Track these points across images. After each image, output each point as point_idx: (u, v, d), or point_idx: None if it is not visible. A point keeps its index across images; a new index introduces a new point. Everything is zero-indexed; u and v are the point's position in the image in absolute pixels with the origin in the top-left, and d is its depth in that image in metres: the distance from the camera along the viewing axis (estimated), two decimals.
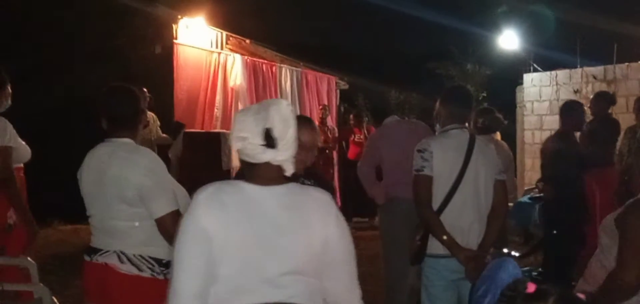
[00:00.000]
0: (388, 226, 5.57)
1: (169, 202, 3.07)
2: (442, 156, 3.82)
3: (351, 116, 11.93)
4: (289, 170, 2.19)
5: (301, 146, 2.51)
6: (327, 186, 3.04)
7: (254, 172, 2.19)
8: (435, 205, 3.82)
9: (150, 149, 3.42)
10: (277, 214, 2.15)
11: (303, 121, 3.10)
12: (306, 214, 2.18)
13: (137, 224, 3.11)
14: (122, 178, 3.08)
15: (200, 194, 2.15)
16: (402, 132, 5.57)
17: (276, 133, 2.13)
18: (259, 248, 2.11)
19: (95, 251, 3.19)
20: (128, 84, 3.39)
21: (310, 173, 3.22)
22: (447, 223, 3.78)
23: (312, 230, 2.17)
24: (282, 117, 2.15)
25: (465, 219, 3.81)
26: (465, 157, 3.83)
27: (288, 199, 2.18)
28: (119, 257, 3.11)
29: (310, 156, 3.20)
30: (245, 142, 2.15)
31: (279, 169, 2.18)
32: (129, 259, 3.11)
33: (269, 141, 2.13)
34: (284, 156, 2.16)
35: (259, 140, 2.13)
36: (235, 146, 2.17)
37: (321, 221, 2.18)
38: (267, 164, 2.16)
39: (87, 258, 3.22)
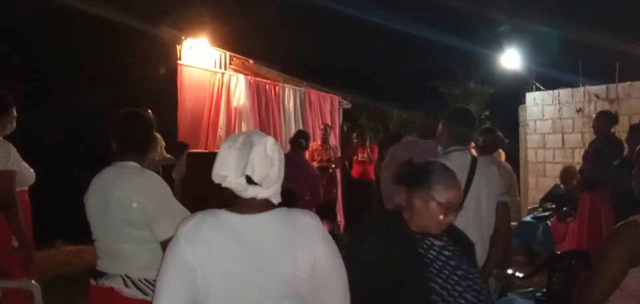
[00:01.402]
0: None
1: (173, 225, 3.05)
2: None
3: (354, 135, 11.95)
4: (276, 201, 2.21)
5: (447, 207, 2.60)
6: (467, 244, 2.94)
7: (237, 202, 2.19)
8: None
9: (155, 170, 3.42)
10: (261, 243, 2.13)
11: (448, 174, 2.78)
12: (291, 240, 2.16)
13: (141, 247, 3.12)
14: (126, 201, 3.09)
15: (182, 226, 2.16)
16: (417, 151, 5.59)
17: (257, 177, 2.14)
18: (244, 277, 2.10)
19: (101, 274, 3.20)
20: (133, 105, 3.39)
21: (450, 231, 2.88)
22: None
23: (298, 255, 2.14)
24: (264, 158, 2.15)
25: None
26: (467, 179, 3.83)
27: (272, 226, 2.17)
28: (124, 281, 3.12)
29: (453, 218, 2.80)
30: (225, 181, 2.16)
31: (264, 200, 2.19)
32: (134, 283, 3.12)
33: (250, 180, 2.15)
34: (268, 192, 2.18)
35: (241, 180, 2.15)
36: (216, 181, 2.17)
37: (307, 246, 2.16)
38: (251, 198, 2.18)
39: (93, 282, 3.23)
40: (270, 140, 2.21)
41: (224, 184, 2.16)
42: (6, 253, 4.38)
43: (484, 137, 6.04)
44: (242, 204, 2.19)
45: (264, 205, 2.19)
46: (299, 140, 7.87)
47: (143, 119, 3.34)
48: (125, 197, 3.09)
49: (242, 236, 2.14)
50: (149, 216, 3.08)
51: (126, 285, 3.12)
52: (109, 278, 3.15)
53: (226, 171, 2.15)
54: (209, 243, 2.11)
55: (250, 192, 2.15)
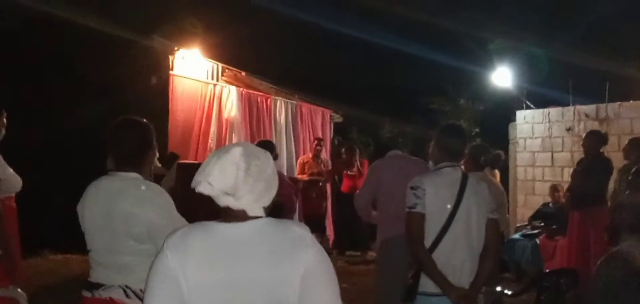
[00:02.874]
0: (385, 263, 5.56)
1: None
2: (434, 193, 3.82)
3: (343, 150, 11.94)
4: (255, 212, 2.18)
5: None
6: None
7: (224, 212, 2.19)
8: (428, 243, 3.81)
9: (149, 179, 3.38)
10: (246, 252, 2.12)
11: None
12: (278, 250, 2.13)
13: (143, 259, 3.00)
14: (131, 214, 3.03)
15: (169, 238, 2.17)
16: (403, 167, 5.59)
17: (219, 186, 2.13)
18: (228, 286, 2.09)
19: (96, 286, 3.12)
20: (124, 115, 3.34)
21: None
22: (439, 261, 3.77)
23: (285, 265, 2.11)
24: (229, 167, 2.14)
25: (457, 258, 3.80)
26: (457, 196, 3.84)
27: (259, 235, 2.15)
28: (124, 291, 3.07)
29: None
30: (198, 186, 2.15)
31: (244, 210, 2.18)
32: (135, 293, 3.05)
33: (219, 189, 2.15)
34: (241, 203, 2.16)
35: (207, 187, 2.14)
36: (192, 185, 2.17)
37: (295, 256, 2.12)
38: (233, 208, 2.17)
39: (87, 294, 3.14)
40: (238, 149, 2.19)
41: (197, 189, 2.15)
42: None
43: (485, 156, 6.05)
44: (228, 214, 2.18)
45: (251, 216, 2.18)
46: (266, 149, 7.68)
47: (142, 127, 3.25)
48: (130, 210, 3.03)
49: (227, 245, 2.12)
50: (154, 230, 3.01)
51: (127, 295, 3.07)
52: (107, 289, 3.09)
53: (198, 177, 2.15)
54: (192, 252, 2.10)
55: (222, 200, 2.15)
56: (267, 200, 2.22)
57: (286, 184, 7.22)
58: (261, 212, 2.19)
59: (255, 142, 8.62)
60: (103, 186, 3.18)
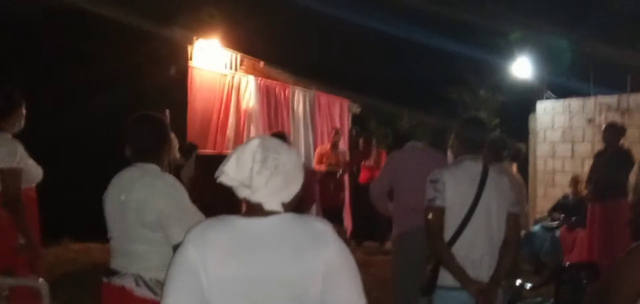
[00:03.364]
0: (402, 255, 5.54)
1: (186, 230, 3.09)
2: (454, 187, 3.80)
3: (361, 141, 11.91)
4: (271, 206, 2.18)
5: None
6: None
7: (246, 206, 2.20)
8: (447, 236, 3.80)
9: (167, 169, 3.49)
10: (266, 247, 2.12)
11: None
12: (299, 245, 2.13)
13: (155, 248, 3.17)
14: (143, 202, 3.16)
15: (191, 230, 2.18)
16: (421, 159, 5.57)
17: (234, 176, 2.15)
18: (247, 280, 2.09)
19: (113, 272, 3.26)
20: (143, 106, 3.45)
21: None
22: (458, 255, 3.75)
23: (305, 261, 2.11)
24: (245, 159, 2.15)
25: (476, 252, 3.78)
26: (477, 189, 3.81)
27: (279, 230, 2.15)
28: (135, 280, 3.18)
29: None
30: (220, 177, 2.17)
31: (260, 204, 2.18)
32: (146, 283, 3.17)
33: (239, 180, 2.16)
34: (259, 195, 2.16)
35: (224, 177, 2.16)
36: (217, 178, 2.19)
37: (316, 251, 2.12)
38: (247, 201, 2.18)
39: (105, 280, 3.28)
40: (257, 141, 2.20)
41: (218, 180, 2.17)
42: (12, 251, 4.38)
43: (507, 150, 6.02)
44: (249, 208, 2.19)
45: (271, 210, 2.18)
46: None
47: (157, 122, 3.42)
48: (142, 198, 3.17)
49: (248, 239, 2.13)
50: (164, 219, 3.14)
51: (137, 284, 3.18)
52: (121, 277, 3.22)
53: (220, 167, 2.17)
54: (213, 246, 2.11)
55: (240, 192, 2.17)
56: (286, 196, 2.21)
57: (307, 173, 7.21)
58: (279, 207, 2.18)
59: (270, 134, 8.66)
60: (123, 175, 3.33)
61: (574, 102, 11.86)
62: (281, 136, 7.43)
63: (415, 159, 5.68)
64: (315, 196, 7.21)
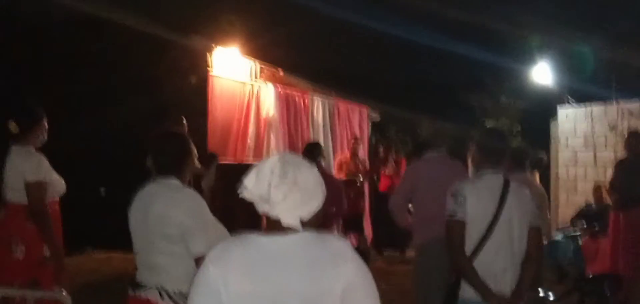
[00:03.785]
0: (423, 267, 5.52)
1: (208, 242, 3.15)
2: (475, 200, 3.78)
3: (381, 148, 11.89)
4: (289, 221, 2.17)
5: None
6: None
7: (267, 223, 2.22)
8: (468, 250, 3.78)
9: (187, 184, 3.57)
10: (286, 265, 2.13)
11: None
12: (319, 263, 2.14)
13: (177, 261, 3.24)
14: (165, 216, 3.24)
15: (211, 251, 2.21)
16: (441, 170, 5.55)
17: (253, 191, 2.16)
18: (269, 300, 2.11)
19: (139, 285, 3.32)
20: (164, 115, 3.52)
21: None
22: (480, 269, 3.73)
23: (324, 279, 2.13)
24: (265, 174, 2.16)
25: (498, 265, 3.76)
26: (499, 202, 3.78)
27: (299, 249, 2.16)
28: (160, 293, 3.24)
29: None
30: (242, 193, 2.19)
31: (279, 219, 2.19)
32: (169, 296, 3.23)
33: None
34: (277, 210, 2.16)
35: (250, 195, 2.18)
36: (239, 194, 2.21)
37: (336, 270, 2.14)
38: (267, 216, 2.20)
39: (131, 293, 3.35)
40: (277, 156, 2.22)
41: (240, 195, 2.19)
42: (38, 263, 4.44)
43: (529, 160, 5.99)
44: (269, 224, 2.20)
45: (290, 228, 2.18)
46: (311, 154, 7.29)
47: (180, 138, 3.53)
48: (164, 212, 3.25)
49: (267, 258, 2.14)
50: (185, 231, 3.22)
51: (161, 297, 3.24)
52: (146, 290, 3.28)
53: (245, 183, 2.19)
54: (234, 265, 2.13)
55: (260, 207, 2.18)
56: (306, 213, 2.20)
57: (336, 185, 7.13)
58: (296, 223, 2.18)
59: (304, 144, 8.56)
60: (145, 191, 3.41)
61: (596, 108, 11.75)
62: (316, 147, 7.42)
63: (433, 169, 5.68)
64: (344, 209, 7.18)
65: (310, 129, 11.33)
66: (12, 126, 4.54)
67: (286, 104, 10.79)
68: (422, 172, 5.79)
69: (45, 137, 4.70)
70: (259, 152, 9.89)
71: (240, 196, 2.20)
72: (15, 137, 4.56)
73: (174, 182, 3.37)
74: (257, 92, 10.36)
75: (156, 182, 3.39)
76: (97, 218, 8.27)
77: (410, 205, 5.90)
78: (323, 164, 7.59)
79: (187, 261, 3.20)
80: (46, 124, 4.70)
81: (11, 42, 9.93)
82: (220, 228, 3.38)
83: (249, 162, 8.98)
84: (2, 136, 4.62)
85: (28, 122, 4.59)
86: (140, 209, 3.34)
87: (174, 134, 3.54)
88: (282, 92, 10.75)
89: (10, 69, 9.69)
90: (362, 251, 8.72)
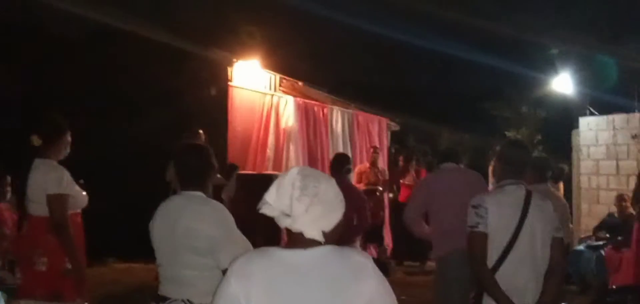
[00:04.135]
0: (443, 278, 5.49)
1: (235, 255, 3.14)
2: (497, 212, 3.75)
3: (400, 158, 11.86)
4: (312, 234, 2.17)
5: None
6: None
7: (289, 237, 2.22)
8: (490, 263, 3.74)
9: (210, 196, 3.59)
10: (309, 280, 2.13)
11: None
12: (341, 278, 2.14)
13: (203, 274, 3.25)
14: (193, 229, 3.26)
15: (233, 264, 2.22)
16: (458, 181, 5.53)
17: (275, 206, 2.16)
18: None
19: (163, 299, 3.34)
20: (185, 127, 3.54)
21: None
22: (502, 282, 3.69)
23: (346, 294, 2.13)
24: (286, 186, 2.16)
25: (521, 278, 3.72)
26: (521, 214, 3.75)
27: (321, 263, 2.16)
28: None
29: None
30: (262, 209, 2.19)
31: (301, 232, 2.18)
32: None
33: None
34: (299, 224, 2.16)
35: (271, 210, 2.18)
36: (260, 209, 2.21)
37: (357, 285, 2.14)
38: (289, 230, 2.19)
39: None
40: (297, 169, 2.22)
41: (261, 211, 2.19)
42: (60, 275, 4.46)
43: (551, 171, 5.94)
44: (291, 238, 2.20)
45: (312, 241, 2.17)
46: (339, 163, 7.27)
47: (203, 151, 3.56)
48: (192, 225, 3.27)
49: (289, 272, 2.14)
50: (214, 244, 3.24)
51: None
52: (172, 303, 3.29)
53: (266, 198, 2.19)
54: (256, 279, 2.14)
55: (281, 222, 2.18)
56: (327, 225, 2.19)
57: (359, 197, 7.08)
58: (319, 236, 2.18)
59: (323, 155, 8.55)
60: (170, 204, 3.45)
61: (618, 118, 11.62)
62: (344, 157, 7.39)
63: (450, 180, 5.66)
64: (368, 223, 7.14)
65: (330, 140, 11.35)
66: (35, 140, 4.57)
67: (305, 115, 10.82)
68: (437, 184, 5.77)
69: (68, 151, 4.73)
70: (278, 163, 9.92)
71: (261, 211, 2.19)
72: (38, 151, 4.60)
73: (199, 195, 3.38)
74: (277, 103, 10.41)
75: (181, 195, 3.42)
76: (119, 228, 8.31)
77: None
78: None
79: (214, 273, 3.20)
80: (69, 137, 4.73)
81: (33, 55, 10.06)
82: (247, 241, 3.38)
83: (269, 173, 9.01)
84: (25, 150, 4.66)
85: (51, 135, 4.62)
86: (166, 223, 3.35)
87: (197, 148, 3.59)
88: (301, 103, 10.78)
89: (33, 82, 9.81)
90: (381, 262, 8.70)
